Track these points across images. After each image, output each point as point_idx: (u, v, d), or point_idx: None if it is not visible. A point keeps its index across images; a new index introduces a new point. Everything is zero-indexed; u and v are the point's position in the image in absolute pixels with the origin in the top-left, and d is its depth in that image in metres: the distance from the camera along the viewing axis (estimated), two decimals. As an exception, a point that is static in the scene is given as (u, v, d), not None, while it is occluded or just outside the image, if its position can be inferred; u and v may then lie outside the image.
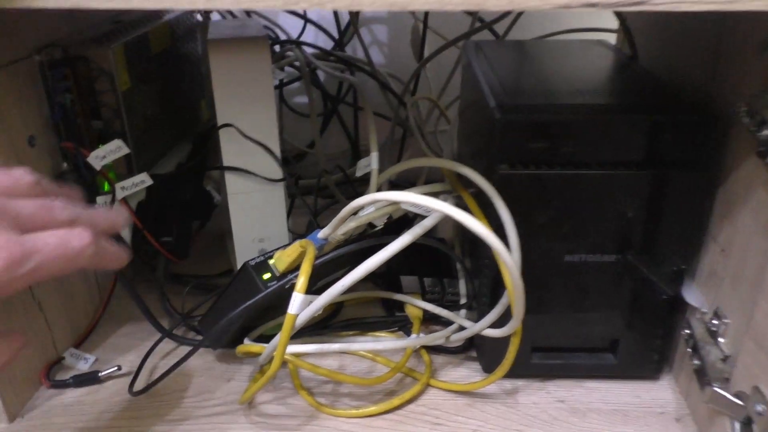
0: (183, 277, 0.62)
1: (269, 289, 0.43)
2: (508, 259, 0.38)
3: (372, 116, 0.55)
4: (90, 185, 0.52)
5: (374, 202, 0.39)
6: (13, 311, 0.47)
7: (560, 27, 0.74)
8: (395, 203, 0.45)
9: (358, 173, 0.53)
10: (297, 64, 0.75)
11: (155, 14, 0.62)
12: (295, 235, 0.66)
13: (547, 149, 0.43)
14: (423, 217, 0.58)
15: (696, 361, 0.44)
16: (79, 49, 0.51)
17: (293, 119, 0.86)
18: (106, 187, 0.53)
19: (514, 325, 0.42)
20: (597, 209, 0.44)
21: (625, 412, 0.48)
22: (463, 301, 0.56)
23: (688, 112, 0.43)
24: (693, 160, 0.43)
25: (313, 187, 0.66)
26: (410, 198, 0.37)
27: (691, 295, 0.46)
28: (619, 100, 0.47)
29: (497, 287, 0.47)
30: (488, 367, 0.50)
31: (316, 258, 0.43)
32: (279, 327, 0.41)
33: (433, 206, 0.37)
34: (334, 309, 0.59)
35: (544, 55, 0.59)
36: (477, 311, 0.51)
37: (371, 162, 0.52)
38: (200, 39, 0.69)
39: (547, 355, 0.50)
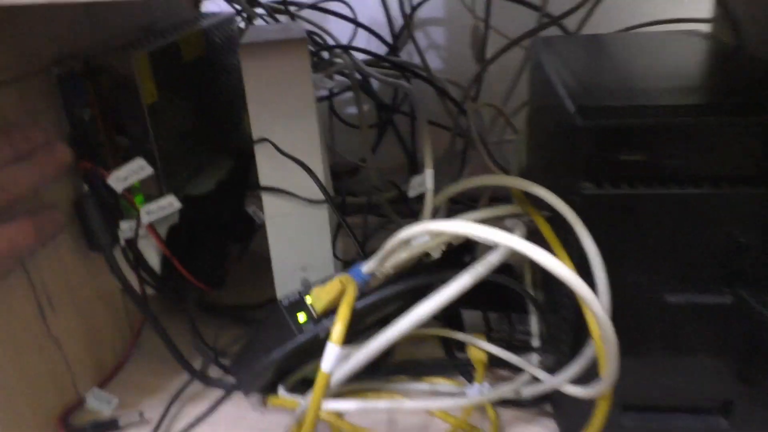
0: (217, 308, 0.56)
1: (301, 339, 0.36)
2: (598, 309, 0.29)
3: (427, 127, 0.48)
4: (113, 210, 0.47)
5: (426, 233, 0.31)
6: (25, 349, 0.42)
7: (640, 20, 0.65)
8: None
9: (411, 193, 0.46)
10: (347, 71, 0.69)
11: (187, 21, 0.57)
12: (343, 262, 0.60)
13: (644, 163, 0.34)
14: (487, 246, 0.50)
15: None
16: (99, 59, 0.46)
17: (346, 132, 0.80)
18: (134, 212, 0.48)
19: (603, 387, 0.33)
20: (706, 237, 0.35)
21: (744, 492, 0.38)
22: (535, 342, 0.47)
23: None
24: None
25: (364, 206, 0.59)
26: (469, 230, 0.29)
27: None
28: (733, 99, 0.37)
29: (580, 329, 0.38)
30: (568, 428, 0.42)
31: (359, 298, 0.36)
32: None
33: (498, 240, 0.29)
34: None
35: (628, 49, 0.50)
36: (554, 356, 0.42)
37: (426, 181, 0.45)
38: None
39: (642, 416, 0.40)
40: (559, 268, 0.28)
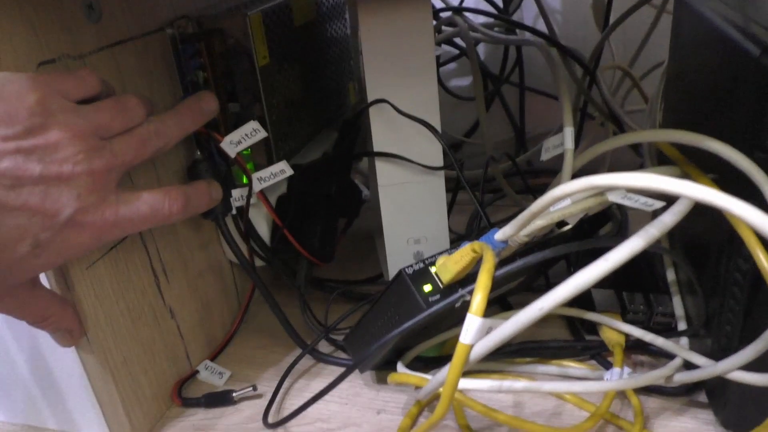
0: (327, 283, 0.54)
1: (433, 308, 0.33)
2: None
3: (564, 80, 0.43)
4: (226, 177, 0.45)
5: (588, 190, 0.27)
6: (142, 316, 0.42)
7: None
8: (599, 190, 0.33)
9: (545, 156, 0.41)
10: (458, 41, 0.65)
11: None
12: (455, 235, 0.56)
13: None
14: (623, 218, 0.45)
15: None
16: (213, 20, 0.44)
17: (448, 105, 0.76)
18: (244, 179, 0.46)
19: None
20: None
21: None
22: (681, 326, 0.42)
23: None
24: None
25: (478, 180, 0.55)
26: (638, 181, 0.24)
27: None
28: None
29: (753, 310, 0.33)
30: (731, 422, 0.36)
31: (496, 268, 0.32)
32: (438, 348, 0.31)
33: (676, 190, 0.24)
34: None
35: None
36: (712, 343, 0.37)
37: (565, 140, 0.40)
38: (349, 12, 0.61)
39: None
40: (759, 218, 0.23)
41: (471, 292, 0.31)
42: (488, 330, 0.29)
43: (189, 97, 0.41)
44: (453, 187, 0.57)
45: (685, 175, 0.35)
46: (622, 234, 0.49)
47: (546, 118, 0.72)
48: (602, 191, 0.35)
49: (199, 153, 0.44)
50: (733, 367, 0.33)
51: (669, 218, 0.28)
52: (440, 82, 0.74)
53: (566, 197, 0.27)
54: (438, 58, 0.70)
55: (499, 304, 0.50)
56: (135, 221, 0.34)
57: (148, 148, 0.35)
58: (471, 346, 0.29)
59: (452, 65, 0.76)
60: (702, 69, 0.39)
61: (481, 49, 0.74)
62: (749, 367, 0.32)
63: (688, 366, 0.38)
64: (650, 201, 0.32)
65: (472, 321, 0.29)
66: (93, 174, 0.31)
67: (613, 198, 0.34)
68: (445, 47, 0.71)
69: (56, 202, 0.30)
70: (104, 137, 0.33)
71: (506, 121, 0.75)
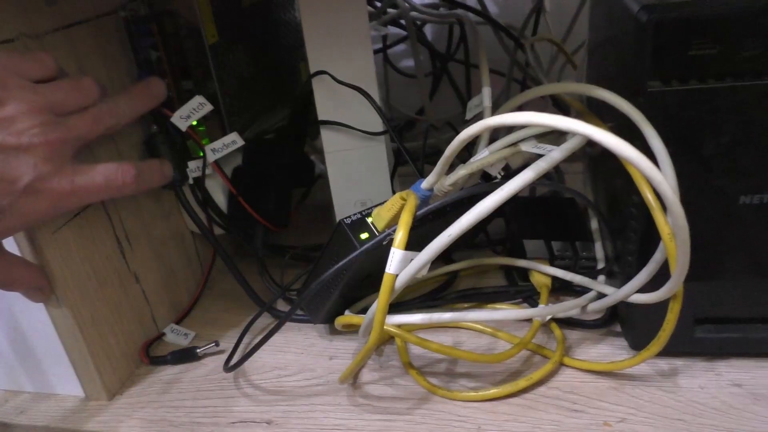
0: (283, 248, 0.58)
1: (364, 247, 0.37)
2: (665, 187, 0.28)
3: (484, 51, 0.47)
4: (181, 149, 0.49)
5: (486, 131, 0.31)
6: (108, 280, 0.45)
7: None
8: (511, 141, 0.37)
9: (468, 115, 0.46)
10: (402, 22, 0.69)
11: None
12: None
13: (715, 56, 0.33)
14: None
15: None
16: (163, 2, 0.48)
17: (400, 84, 0.80)
18: (200, 152, 0.49)
19: (674, 283, 0.33)
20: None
21: (829, 400, 0.36)
22: (600, 266, 0.47)
23: None
24: None
25: (420, 150, 0.59)
26: (535, 118, 0.29)
27: None
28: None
29: (646, 245, 0.37)
30: (637, 343, 0.41)
31: (419, 210, 0.36)
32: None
33: (567, 125, 0.28)
34: (447, 279, 0.52)
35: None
36: (620, 276, 0.42)
37: (483, 99, 0.44)
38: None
39: (715, 328, 0.39)
40: (632, 152, 0.28)
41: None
42: (409, 260, 0.33)
43: (139, 81, 0.44)
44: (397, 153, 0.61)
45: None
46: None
47: (493, 93, 0.76)
48: (515, 143, 0.39)
49: (155, 127, 0.48)
50: (632, 291, 0.37)
51: (557, 154, 0.33)
52: (390, 63, 0.78)
53: (469, 138, 0.31)
54: (385, 38, 0.74)
55: (443, 260, 0.54)
56: (90, 190, 0.37)
57: (101, 124, 0.39)
58: (395, 276, 0.33)
59: (402, 46, 0.80)
60: (609, 36, 0.44)
61: (430, 30, 0.78)
62: (645, 290, 0.37)
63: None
64: (563, 129, 0.36)
65: (395, 253, 0.33)
66: (49, 145, 0.35)
67: (526, 147, 0.38)
68: (393, 30, 0.75)
69: (15, 170, 0.34)
70: (60, 114, 0.36)
71: (455, 98, 0.79)
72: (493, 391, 0.39)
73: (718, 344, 0.39)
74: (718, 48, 0.33)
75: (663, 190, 0.28)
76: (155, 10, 0.47)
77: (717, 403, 0.37)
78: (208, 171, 0.49)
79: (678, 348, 0.39)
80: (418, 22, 0.73)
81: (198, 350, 0.48)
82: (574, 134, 0.32)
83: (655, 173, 0.28)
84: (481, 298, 0.49)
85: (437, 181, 0.37)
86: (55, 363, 0.45)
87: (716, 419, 0.36)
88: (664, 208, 0.31)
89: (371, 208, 0.41)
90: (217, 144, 0.48)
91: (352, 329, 0.44)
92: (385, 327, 0.37)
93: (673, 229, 0.30)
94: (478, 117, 0.45)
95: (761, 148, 0.34)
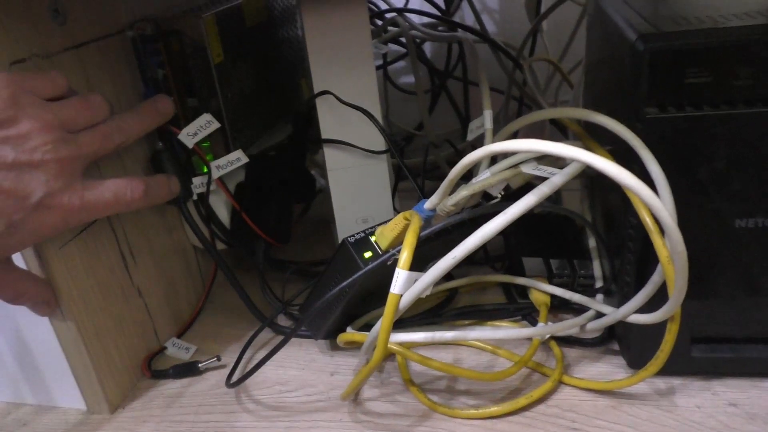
0: (284, 263, 0.58)
1: (368, 267, 0.38)
2: (666, 217, 0.29)
3: (484, 73, 0.48)
4: (186, 165, 0.49)
5: (488, 156, 0.32)
6: (112, 293, 0.45)
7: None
8: (512, 163, 0.38)
9: (470, 137, 0.46)
10: (402, 40, 0.70)
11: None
12: (403, 216, 0.61)
13: (710, 84, 0.34)
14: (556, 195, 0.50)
15: None
16: (170, 22, 0.48)
17: (399, 100, 0.81)
18: (204, 168, 0.50)
19: (672, 305, 0.33)
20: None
21: (822, 420, 0.37)
22: (598, 285, 0.48)
23: None
24: None
25: (420, 167, 0.60)
26: (536, 145, 0.29)
27: None
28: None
29: (644, 264, 0.38)
30: (635, 362, 0.42)
31: (422, 230, 0.37)
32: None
33: (567, 153, 0.29)
34: (447, 296, 0.52)
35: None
36: (618, 295, 0.43)
37: (485, 121, 0.45)
38: (299, 17, 0.66)
39: (712, 348, 0.40)
40: (630, 178, 0.29)
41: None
42: (414, 281, 0.34)
43: (148, 100, 0.45)
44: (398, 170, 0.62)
45: (584, 148, 0.40)
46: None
47: (493, 107, 0.78)
48: (516, 164, 0.40)
49: (160, 144, 0.48)
50: (630, 311, 0.38)
51: (558, 179, 0.33)
52: (390, 79, 0.79)
53: (472, 163, 0.32)
54: (385, 56, 0.75)
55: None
56: (99, 206, 0.38)
57: (111, 142, 0.39)
58: (400, 296, 0.34)
59: (402, 63, 0.81)
60: (605, 59, 0.45)
61: (429, 47, 0.80)
62: (643, 310, 0.38)
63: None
64: (561, 156, 0.36)
65: (400, 274, 0.34)
66: (60, 162, 0.35)
67: (526, 169, 0.39)
68: (393, 47, 0.76)
69: (27, 186, 0.34)
70: (71, 130, 0.37)
71: (453, 114, 0.80)
72: (494, 409, 0.40)
73: (714, 364, 0.40)
74: (712, 77, 0.34)
75: (662, 216, 0.29)
76: (162, 30, 0.48)
77: (713, 423, 0.38)
78: (212, 187, 0.50)
79: (675, 367, 0.40)
80: (418, 40, 0.74)
81: (200, 365, 0.48)
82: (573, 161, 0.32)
83: (654, 200, 0.29)
84: (480, 315, 0.49)
85: (440, 201, 0.38)
86: (58, 376, 0.45)
87: (712, 438, 0.37)
88: (662, 231, 0.32)
89: (374, 226, 0.42)
90: (222, 161, 0.49)
91: (354, 346, 0.44)
92: (387, 345, 0.37)
93: (671, 253, 0.31)
94: (480, 139, 0.46)
95: (755, 174, 0.35)
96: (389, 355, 0.47)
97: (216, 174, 0.49)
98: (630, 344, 0.42)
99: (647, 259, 0.37)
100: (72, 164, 0.36)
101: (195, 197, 0.50)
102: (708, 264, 0.37)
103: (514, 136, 0.66)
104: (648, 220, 0.32)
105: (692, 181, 0.36)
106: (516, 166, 0.39)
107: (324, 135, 0.50)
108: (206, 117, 0.47)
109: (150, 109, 0.44)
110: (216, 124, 0.47)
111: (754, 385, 0.40)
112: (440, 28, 0.71)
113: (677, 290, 0.32)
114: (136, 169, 0.47)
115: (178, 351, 0.51)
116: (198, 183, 0.50)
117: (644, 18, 0.38)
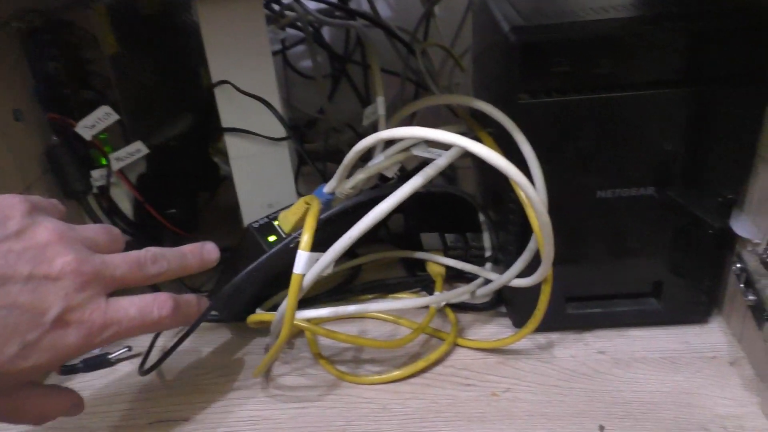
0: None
1: (272, 251, 0.40)
2: (532, 193, 0.33)
3: (377, 59, 0.51)
4: (84, 159, 0.49)
5: (379, 142, 0.35)
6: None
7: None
8: (404, 146, 0.41)
9: (365, 122, 0.49)
10: (300, 24, 0.71)
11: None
12: (307, 199, 0.63)
13: (573, 73, 0.38)
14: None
15: (751, 297, 0.40)
16: (60, 13, 0.48)
17: (301, 84, 0.82)
18: (103, 161, 0.50)
19: (544, 270, 0.38)
20: (631, 137, 0.40)
21: (673, 359, 0.43)
22: (488, 254, 0.52)
23: (734, 17, 0.38)
24: (741, 73, 0.38)
25: (328, 150, 0.62)
26: (420, 132, 0.33)
27: (742, 226, 0.41)
28: (655, 10, 0.41)
29: (524, 235, 0.42)
30: (519, 322, 0.47)
31: (322, 213, 0.39)
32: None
33: (446, 139, 0.32)
34: (351, 273, 0.55)
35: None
36: (504, 264, 0.47)
37: (377, 108, 0.48)
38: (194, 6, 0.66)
39: (583, 305, 0.45)
40: (500, 159, 0.32)
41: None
42: (315, 261, 0.36)
43: (196, 244, 0.42)
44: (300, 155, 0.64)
45: (468, 130, 0.44)
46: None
47: (390, 93, 0.81)
48: (408, 148, 0.43)
49: (55, 138, 0.48)
50: (511, 277, 0.42)
51: (442, 161, 0.37)
52: (290, 64, 0.80)
53: (363, 150, 0.35)
54: (284, 41, 0.76)
55: (348, 255, 0.57)
56: (123, 323, 0.34)
57: (144, 271, 0.36)
58: (302, 276, 0.37)
59: (302, 48, 0.82)
60: (487, 48, 0.49)
61: (329, 32, 0.81)
62: (523, 275, 0.42)
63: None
64: (442, 142, 0.40)
65: (301, 255, 0.36)
66: (81, 275, 0.32)
67: (416, 152, 0.42)
68: (293, 31, 0.77)
69: (44, 300, 0.31)
70: (92, 249, 0.34)
71: (355, 98, 0.82)
72: (396, 373, 0.43)
73: (586, 318, 0.46)
74: (574, 66, 0.38)
75: (528, 192, 0.33)
76: (52, 21, 0.47)
77: (585, 369, 0.43)
78: (112, 179, 0.50)
79: (553, 324, 0.45)
80: (316, 25, 0.75)
81: (110, 356, 0.49)
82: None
83: (521, 178, 0.33)
84: (384, 289, 0.53)
85: (338, 185, 0.41)
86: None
87: (584, 383, 0.42)
88: (533, 205, 0.36)
89: (278, 211, 0.44)
90: (122, 153, 0.49)
91: (263, 326, 0.47)
92: (295, 322, 0.40)
93: (539, 224, 0.35)
94: (375, 124, 0.48)
95: (613, 151, 0.40)
96: (299, 332, 0.49)
97: (116, 166, 0.50)
98: (515, 307, 0.47)
99: (526, 230, 0.41)
100: (94, 280, 0.33)
101: (95, 190, 0.50)
102: (576, 231, 0.42)
103: (411, 118, 0.70)
104: (522, 195, 0.36)
105: (560, 158, 0.40)
106: (407, 149, 0.43)
107: (224, 124, 0.51)
108: (104, 109, 0.47)
109: (195, 252, 0.41)
110: (115, 116, 0.47)
111: (619, 335, 0.46)
112: (338, 12, 0.73)
113: (546, 255, 0.36)
114: (30, 165, 0.47)
115: (88, 344, 0.51)
116: (98, 176, 0.50)
117: (518, 11, 0.42)
